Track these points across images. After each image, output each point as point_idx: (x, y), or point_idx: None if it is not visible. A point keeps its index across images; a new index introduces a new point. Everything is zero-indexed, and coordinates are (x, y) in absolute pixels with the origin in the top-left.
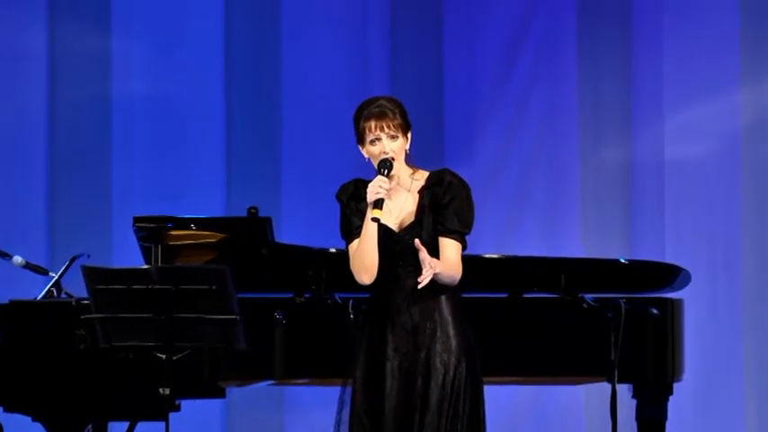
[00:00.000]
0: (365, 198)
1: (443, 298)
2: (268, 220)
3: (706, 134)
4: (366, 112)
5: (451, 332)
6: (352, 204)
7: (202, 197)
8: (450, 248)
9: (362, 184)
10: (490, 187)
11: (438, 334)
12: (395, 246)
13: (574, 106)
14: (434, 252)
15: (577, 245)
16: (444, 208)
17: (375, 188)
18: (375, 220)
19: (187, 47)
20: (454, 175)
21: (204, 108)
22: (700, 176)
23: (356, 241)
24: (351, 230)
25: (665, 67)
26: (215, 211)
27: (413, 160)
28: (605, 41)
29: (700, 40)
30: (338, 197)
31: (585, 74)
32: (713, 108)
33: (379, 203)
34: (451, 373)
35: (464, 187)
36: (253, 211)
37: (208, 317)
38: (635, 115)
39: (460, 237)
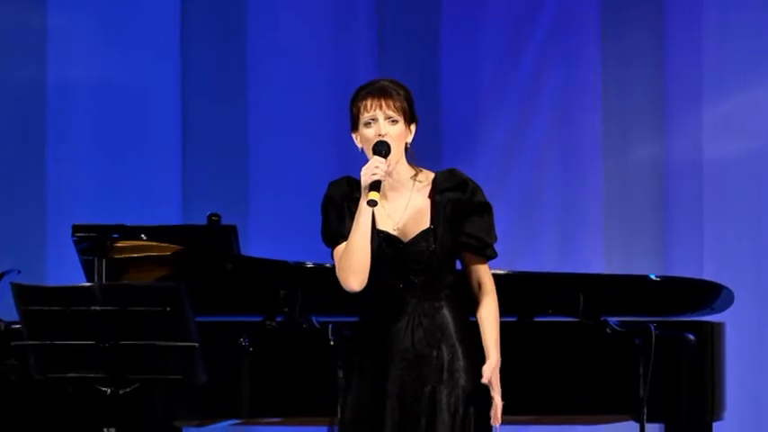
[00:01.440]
0: (359, 198)
1: (452, 323)
2: (232, 229)
3: (751, 128)
4: (364, 92)
5: (461, 365)
6: (345, 205)
7: (154, 202)
8: (488, 274)
9: (356, 184)
10: (495, 192)
11: (445, 367)
12: (400, 255)
13: (597, 95)
14: (444, 263)
15: (599, 259)
16: (470, 216)
17: (371, 169)
18: (372, 203)
19: (137, 24)
20: (470, 178)
21: (157, 96)
22: (744, 177)
23: (344, 244)
24: (341, 231)
25: (704, 50)
26: (169, 218)
27: (415, 159)
28: (634, 19)
29: (743, 19)
30: (330, 194)
31: (611, 57)
32: (759, 98)
33: (376, 186)
34: (461, 413)
35: (483, 193)
36: (214, 218)
37: (161, 344)
38: (669, 106)
39: (493, 252)
